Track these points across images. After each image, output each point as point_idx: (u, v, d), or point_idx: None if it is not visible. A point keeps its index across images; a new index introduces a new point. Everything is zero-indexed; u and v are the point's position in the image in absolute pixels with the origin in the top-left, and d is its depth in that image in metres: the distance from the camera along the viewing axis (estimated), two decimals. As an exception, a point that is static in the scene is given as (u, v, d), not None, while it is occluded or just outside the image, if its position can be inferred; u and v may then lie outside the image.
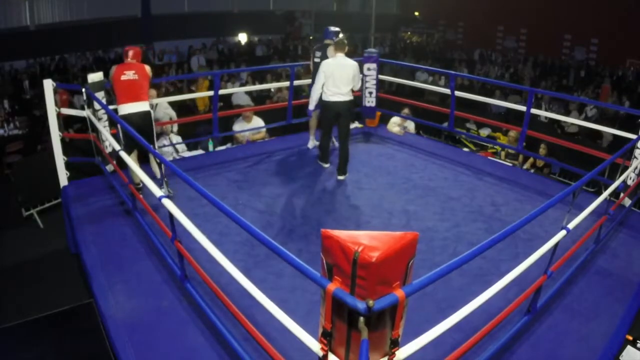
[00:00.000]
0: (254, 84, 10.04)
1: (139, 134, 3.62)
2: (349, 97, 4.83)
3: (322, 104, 4.90)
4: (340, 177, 5.04)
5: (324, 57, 5.07)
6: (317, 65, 5.06)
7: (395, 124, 7.08)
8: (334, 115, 4.87)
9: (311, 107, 5.06)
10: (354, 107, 5.19)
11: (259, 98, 9.86)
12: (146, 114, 4.32)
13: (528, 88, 6.70)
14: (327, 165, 5.33)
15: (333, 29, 5.28)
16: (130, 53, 4.38)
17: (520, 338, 2.78)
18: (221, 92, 5.81)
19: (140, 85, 4.28)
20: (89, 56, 14.04)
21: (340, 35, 5.10)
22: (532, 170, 6.33)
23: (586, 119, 8.94)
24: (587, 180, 2.97)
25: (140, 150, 4.42)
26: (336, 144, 5.39)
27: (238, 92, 8.77)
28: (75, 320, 3.38)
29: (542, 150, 6.35)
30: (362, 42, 17.28)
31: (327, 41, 5.25)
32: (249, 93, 9.25)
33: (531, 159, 6.47)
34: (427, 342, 1.89)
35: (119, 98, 4.26)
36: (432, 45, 19.83)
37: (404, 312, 1.66)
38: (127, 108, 4.23)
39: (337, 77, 4.70)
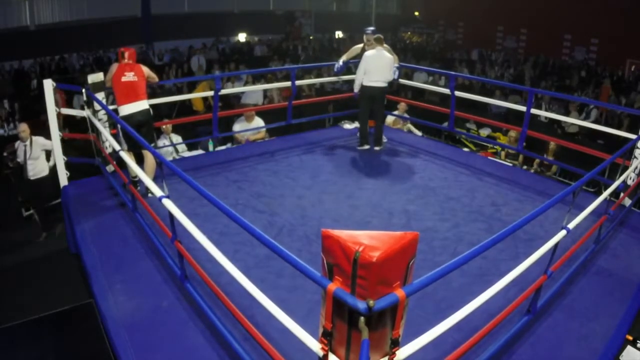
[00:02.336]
0: (254, 83, 10.04)
1: (140, 130, 3.66)
2: (383, 84, 5.63)
3: (361, 88, 5.73)
4: (376, 148, 5.95)
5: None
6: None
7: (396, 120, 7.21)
8: (370, 98, 5.69)
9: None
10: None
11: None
12: (147, 111, 4.42)
13: (528, 88, 6.71)
14: (367, 147, 5.95)
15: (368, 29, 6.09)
16: (127, 54, 4.42)
17: (520, 338, 2.78)
18: (223, 92, 5.81)
19: (139, 85, 4.37)
20: (89, 56, 14.03)
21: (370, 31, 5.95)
22: (537, 169, 6.32)
23: (587, 119, 8.94)
24: (587, 180, 2.97)
25: (140, 151, 4.44)
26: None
27: (247, 91, 8.82)
28: (75, 320, 3.38)
29: (553, 147, 6.34)
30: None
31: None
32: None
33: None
34: (427, 342, 1.89)
35: (120, 99, 4.30)
36: (432, 45, 19.83)
37: (405, 312, 1.66)
38: (129, 108, 4.30)
39: (373, 67, 5.53)
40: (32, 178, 5.72)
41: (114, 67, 4.37)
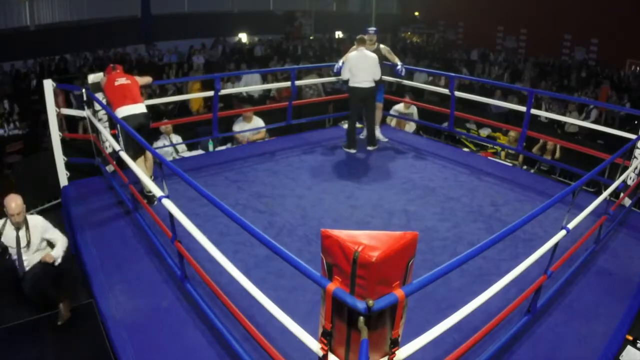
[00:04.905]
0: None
1: (141, 133, 3.66)
2: (370, 84, 5.57)
3: (349, 90, 5.75)
4: (369, 148, 5.93)
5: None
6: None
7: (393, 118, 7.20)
8: (358, 99, 5.68)
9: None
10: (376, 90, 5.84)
11: (259, 98, 9.87)
12: (147, 115, 4.41)
13: (528, 88, 6.71)
14: (353, 151, 5.87)
15: (370, 29, 6.15)
16: (116, 66, 4.53)
17: (520, 338, 2.78)
18: (223, 92, 5.81)
19: (134, 88, 4.38)
20: (89, 56, 14.04)
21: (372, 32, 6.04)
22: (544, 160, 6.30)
23: (586, 119, 8.94)
24: (587, 180, 2.97)
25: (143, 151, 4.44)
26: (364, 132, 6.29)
27: (246, 89, 8.91)
28: (75, 320, 3.38)
29: (550, 147, 6.35)
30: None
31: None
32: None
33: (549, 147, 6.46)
34: (427, 342, 1.89)
35: (117, 102, 4.27)
36: (432, 45, 19.82)
37: (404, 312, 1.66)
38: (129, 109, 4.26)
39: (356, 67, 5.55)
40: (27, 269, 3.66)
41: (104, 78, 4.43)
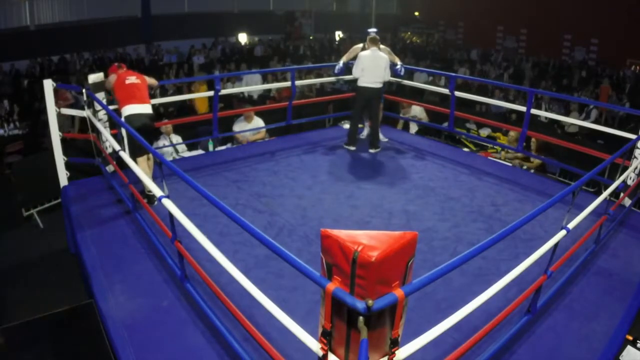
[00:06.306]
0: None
1: (145, 134, 3.67)
2: (378, 85, 5.61)
3: (356, 89, 5.76)
4: (372, 150, 5.89)
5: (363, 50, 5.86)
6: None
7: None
8: (364, 99, 5.70)
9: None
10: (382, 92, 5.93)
11: (259, 98, 9.88)
12: (152, 116, 4.42)
13: (528, 88, 6.70)
14: (353, 148, 5.93)
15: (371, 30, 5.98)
16: (122, 64, 4.54)
17: (520, 338, 2.78)
18: (223, 92, 5.81)
19: (144, 88, 4.40)
20: (89, 56, 14.05)
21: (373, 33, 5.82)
22: (521, 164, 6.29)
23: (587, 119, 8.95)
24: (587, 180, 2.97)
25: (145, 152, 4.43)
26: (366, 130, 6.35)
27: (246, 89, 8.91)
28: (75, 320, 3.38)
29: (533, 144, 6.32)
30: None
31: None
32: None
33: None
34: (427, 342, 1.89)
35: (126, 100, 4.27)
36: (432, 45, 19.83)
37: (404, 312, 1.66)
38: (134, 109, 4.27)
39: (367, 67, 5.53)
40: None
41: (113, 76, 4.41)
